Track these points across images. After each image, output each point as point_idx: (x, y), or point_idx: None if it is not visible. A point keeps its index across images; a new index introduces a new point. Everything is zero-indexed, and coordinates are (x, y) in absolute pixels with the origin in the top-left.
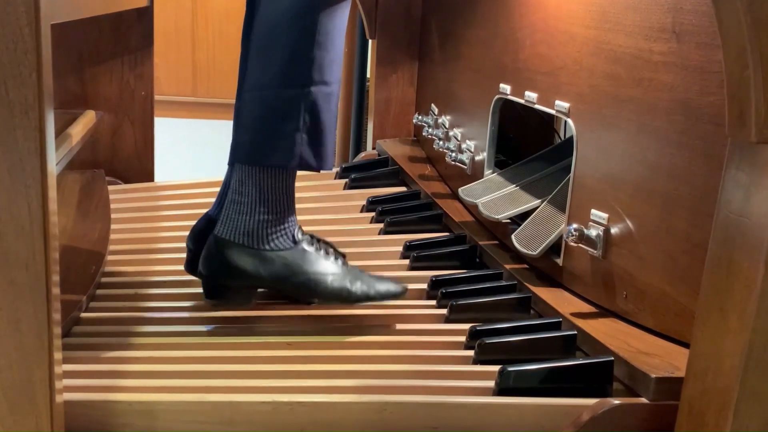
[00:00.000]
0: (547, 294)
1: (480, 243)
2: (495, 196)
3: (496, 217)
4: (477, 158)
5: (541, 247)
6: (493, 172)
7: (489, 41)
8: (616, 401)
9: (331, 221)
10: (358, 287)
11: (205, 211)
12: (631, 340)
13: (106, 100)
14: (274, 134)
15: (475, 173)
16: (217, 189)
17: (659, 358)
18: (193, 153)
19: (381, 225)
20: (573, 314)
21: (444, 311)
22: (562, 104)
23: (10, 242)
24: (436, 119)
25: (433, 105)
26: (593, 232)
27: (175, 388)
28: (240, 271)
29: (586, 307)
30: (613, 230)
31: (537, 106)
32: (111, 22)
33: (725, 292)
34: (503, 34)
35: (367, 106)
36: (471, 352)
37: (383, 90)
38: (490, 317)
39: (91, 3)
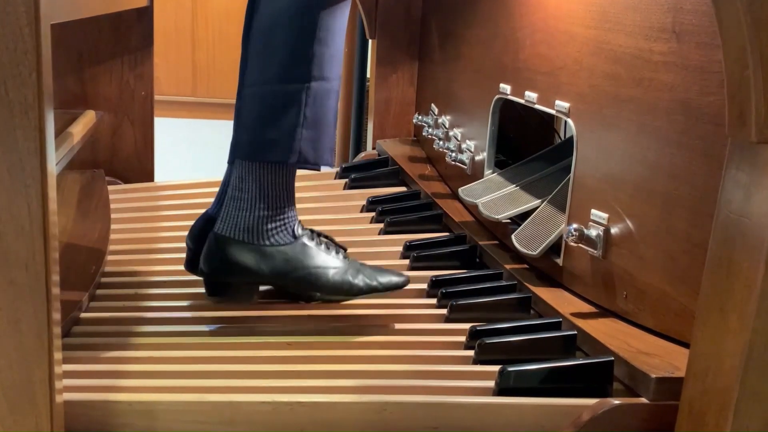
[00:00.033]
0: (547, 294)
1: (480, 243)
2: (495, 196)
3: (496, 217)
4: (477, 158)
5: (541, 247)
6: (493, 172)
7: (489, 41)
8: (616, 401)
9: (331, 221)
10: (360, 280)
11: (204, 210)
12: (631, 340)
13: (106, 100)
14: (274, 130)
15: (475, 173)
16: (217, 189)
17: (659, 358)
18: (193, 153)
19: (381, 225)
20: (573, 314)
21: (444, 311)
22: (562, 104)
23: (10, 242)
24: (436, 119)
25: (433, 105)
26: (593, 232)
27: (175, 388)
28: (241, 268)
29: (586, 307)
30: (613, 230)
31: (537, 106)
32: (111, 22)
33: (725, 292)
34: (503, 34)
35: (367, 106)
36: (471, 352)
37: (383, 90)
38: (490, 317)
39: (91, 3)
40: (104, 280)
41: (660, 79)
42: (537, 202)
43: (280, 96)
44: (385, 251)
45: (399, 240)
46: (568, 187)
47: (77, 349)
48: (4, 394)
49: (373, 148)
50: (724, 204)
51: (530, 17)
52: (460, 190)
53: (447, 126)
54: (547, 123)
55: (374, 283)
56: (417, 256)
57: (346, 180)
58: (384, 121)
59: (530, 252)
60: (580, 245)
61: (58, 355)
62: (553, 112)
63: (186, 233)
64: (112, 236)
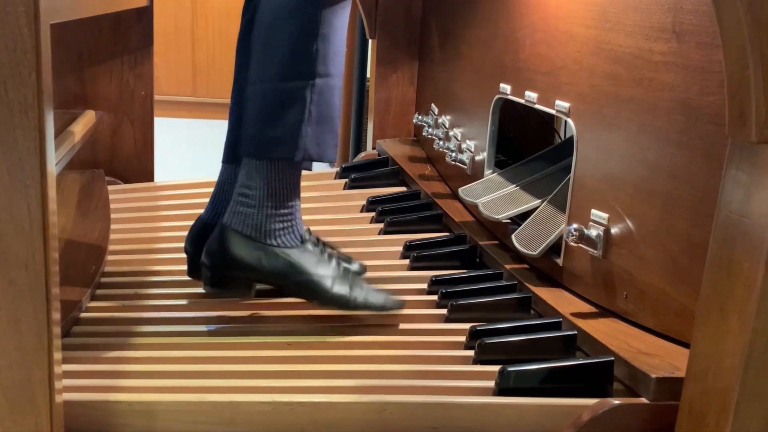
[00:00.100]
0: (547, 294)
1: (480, 243)
2: (495, 196)
3: (496, 217)
4: (477, 158)
5: (541, 247)
6: (493, 172)
7: (489, 41)
8: (617, 401)
9: (331, 221)
10: (357, 295)
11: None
12: (631, 340)
13: (106, 100)
14: (279, 127)
15: (475, 173)
16: None
17: (659, 358)
18: (192, 153)
19: (381, 225)
20: (573, 314)
21: (444, 311)
22: (563, 104)
23: (10, 242)
24: (436, 119)
25: (433, 105)
26: (593, 232)
27: (175, 389)
28: (242, 263)
29: (587, 307)
30: (614, 230)
31: (537, 106)
32: (111, 22)
33: (725, 292)
34: (503, 33)
35: (367, 106)
36: (471, 352)
37: (383, 90)
38: (490, 317)
39: (90, 3)
40: (104, 280)
41: (660, 79)
42: (537, 202)
43: (285, 93)
44: (385, 251)
45: (399, 240)
46: (568, 187)
47: (77, 349)
48: (4, 394)
49: (373, 148)
50: (724, 204)
51: (530, 17)
52: (460, 190)
53: (447, 126)
54: (547, 123)
55: (369, 301)
56: (417, 256)
57: (346, 180)
58: (384, 121)
59: (530, 252)
60: (580, 245)
61: (57, 355)
62: (553, 112)
63: (186, 233)
64: (112, 236)
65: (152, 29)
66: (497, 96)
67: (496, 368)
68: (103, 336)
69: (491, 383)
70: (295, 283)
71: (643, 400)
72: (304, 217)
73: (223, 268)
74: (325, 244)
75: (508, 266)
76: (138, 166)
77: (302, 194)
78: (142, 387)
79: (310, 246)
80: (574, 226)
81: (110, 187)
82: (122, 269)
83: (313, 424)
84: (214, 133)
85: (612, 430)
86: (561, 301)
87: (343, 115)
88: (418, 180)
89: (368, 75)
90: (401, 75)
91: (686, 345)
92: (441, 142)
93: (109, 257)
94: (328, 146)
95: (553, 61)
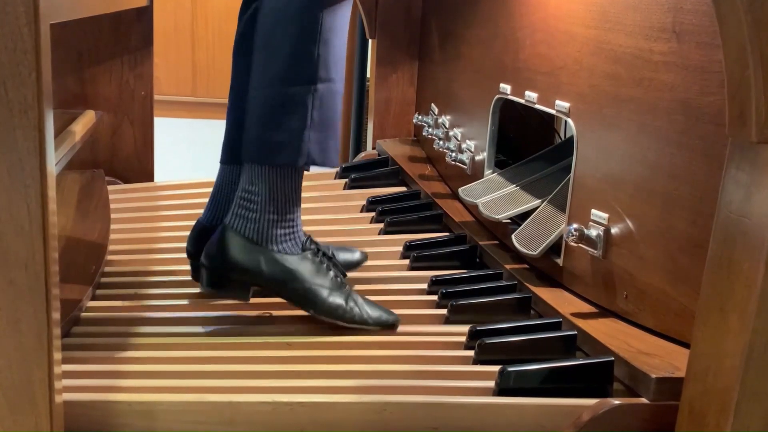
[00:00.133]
0: (547, 294)
1: (480, 243)
2: (495, 196)
3: (496, 217)
4: (477, 158)
5: (541, 247)
6: (493, 172)
7: (489, 41)
8: (617, 401)
9: (331, 221)
10: (352, 307)
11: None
12: (631, 340)
13: (106, 100)
14: (281, 133)
15: (475, 173)
16: None
17: (659, 358)
18: (192, 153)
19: (381, 225)
20: (573, 314)
21: (444, 311)
22: (563, 104)
23: (10, 242)
24: (436, 119)
25: (433, 105)
26: (593, 232)
27: (174, 389)
28: (242, 265)
29: (587, 307)
30: (614, 230)
31: (537, 106)
32: (111, 22)
33: (725, 292)
34: (503, 34)
35: (367, 106)
36: (471, 353)
37: (383, 90)
38: (491, 317)
39: (90, 2)
40: (104, 280)
41: (660, 79)
42: (537, 202)
43: (287, 98)
44: (385, 251)
45: (399, 240)
46: (568, 187)
47: (77, 349)
48: (4, 394)
49: (373, 148)
50: (724, 204)
51: (530, 17)
52: (460, 190)
53: (447, 126)
54: (547, 123)
55: (366, 315)
56: (417, 256)
57: (346, 180)
58: (384, 121)
59: (530, 252)
60: (580, 245)
61: (57, 355)
62: (553, 112)
63: (186, 233)
64: (112, 236)
65: (152, 29)
66: (497, 96)
67: (496, 368)
68: (103, 336)
69: (491, 383)
70: (291, 290)
71: (643, 400)
72: (304, 217)
73: (221, 270)
74: (324, 254)
75: (508, 266)
76: (138, 166)
77: (302, 194)
78: (142, 387)
79: (309, 255)
80: (574, 226)
81: (110, 187)
82: (122, 269)
83: (313, 424)
84: (214, 133)
85: (612, 430)
86: (561, 301)
87: (343, 115)
88: (418, 180)
89: (368, 75)
90: (401, 75)
91: (686, 345)
92: (441, 142)
93: (109, 257)
94: (331, 151)
95: (553, 61)
